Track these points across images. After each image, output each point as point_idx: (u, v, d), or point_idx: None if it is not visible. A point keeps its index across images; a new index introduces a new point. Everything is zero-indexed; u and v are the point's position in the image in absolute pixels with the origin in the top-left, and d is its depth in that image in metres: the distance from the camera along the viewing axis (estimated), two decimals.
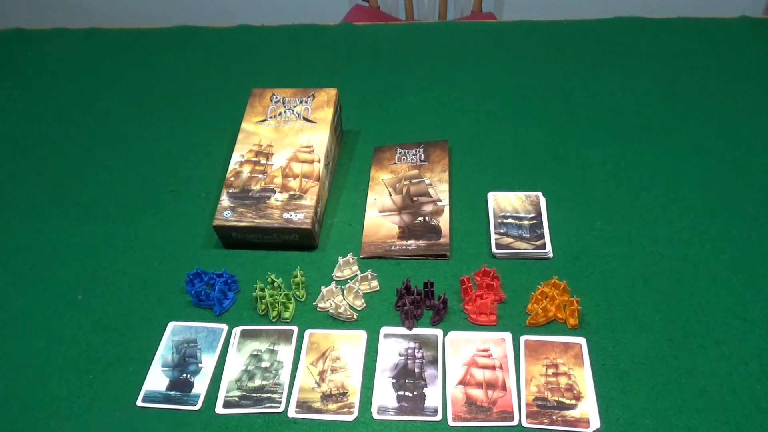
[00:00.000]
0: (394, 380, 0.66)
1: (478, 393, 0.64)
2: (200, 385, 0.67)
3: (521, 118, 0.96)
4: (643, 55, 1.05)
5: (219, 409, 0.65)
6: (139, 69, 1.11)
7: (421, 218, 0.81)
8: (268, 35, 1.16)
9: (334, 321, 0.72)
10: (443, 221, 0.80)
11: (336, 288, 0.73)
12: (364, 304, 0.73)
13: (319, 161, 0.82)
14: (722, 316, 0.69)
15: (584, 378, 0.65)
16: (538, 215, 0.80)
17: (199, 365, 0.68)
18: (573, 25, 1.12)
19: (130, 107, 1.04)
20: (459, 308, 0.72)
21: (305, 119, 0.87)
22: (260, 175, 0.81)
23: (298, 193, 0.79)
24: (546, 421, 0.62)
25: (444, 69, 1.06)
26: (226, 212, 0.78)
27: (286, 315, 0.72)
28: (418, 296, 0.71)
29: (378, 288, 0.75)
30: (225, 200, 0.79)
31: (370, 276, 0.74)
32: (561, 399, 0.63)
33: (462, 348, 0.68)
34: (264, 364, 0.68)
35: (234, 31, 1.17)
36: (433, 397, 0.64)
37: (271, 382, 0.66)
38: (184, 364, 0.68)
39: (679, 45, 1.06)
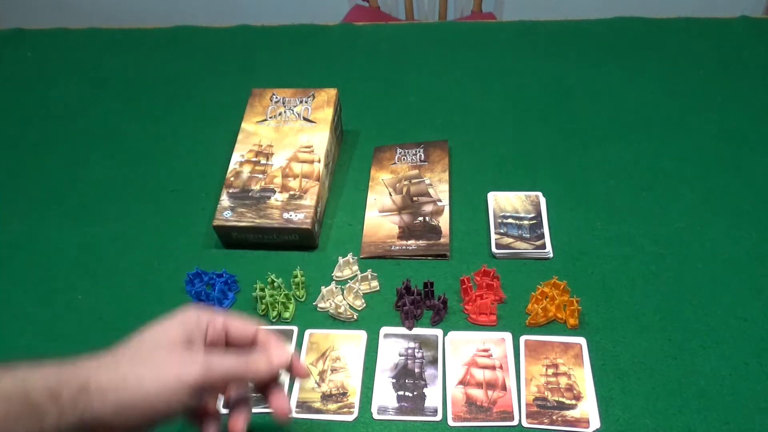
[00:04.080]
0: (394, 380, 0.66)
1: (478, 393, 0.64)
2: None
3: (521, 118, 0.96)
4: (643, 55, 1.05)
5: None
6: (140, 69, 1.11)
7: (421, 218, 0.81)
8: (268, 35, 1.16)
9: (334, 321, 0.72)
10: (443, 221, 0.80)
11: (336, 288, 0.73)
12: (364, 304, 0.73)
13: (319, 161, 0.82)
14: (722, 316, 0.69)
15: (584, 378, 0.65)
16: (538, 215, 0.80)
17: None
18: (573, 25, 1.12)
19: (130, 107, 1.03)
20: (459, 308, 0.72)
21: (305, 119, 0.87)
22: (260, 175, 0.81)
23: (298, 193, 0.79)
24: (546, 421, 0.62)
25: (444, 69, 1.06)
26: (226, 212, 0.78)
27: (286, 315, 0.72)
28: (418, 296, 0.71)
29: (378, 288, 0.75)
30: (225, 200, 0.79)
31: (370, 276, 0.74)
32: (561, 399, 0.63)
33: (462, 348, 0.68)
34: None
35: (234, 31, 1.17)
36: (433, 397, 0.64)
37: None
38: None
39: (679, 45, 1.06)
